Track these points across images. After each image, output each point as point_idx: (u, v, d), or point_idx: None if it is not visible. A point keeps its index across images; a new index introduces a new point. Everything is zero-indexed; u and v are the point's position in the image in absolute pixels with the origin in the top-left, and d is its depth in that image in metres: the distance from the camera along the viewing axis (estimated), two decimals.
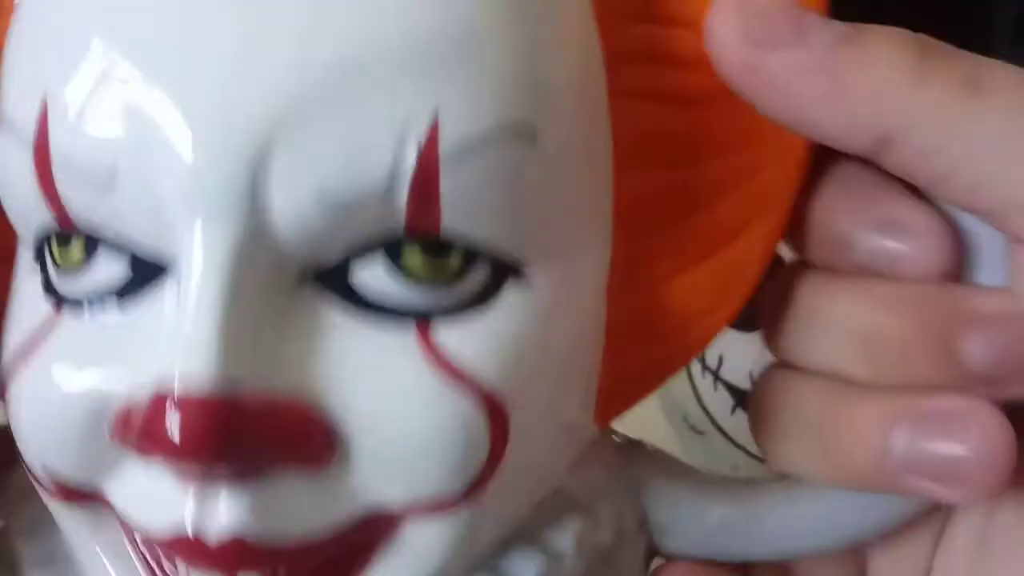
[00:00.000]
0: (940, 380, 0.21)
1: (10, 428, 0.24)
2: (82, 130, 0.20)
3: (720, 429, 0.49)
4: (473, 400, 0.20)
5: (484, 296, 0.21)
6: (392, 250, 0.20)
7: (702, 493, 0.25)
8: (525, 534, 0.23)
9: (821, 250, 0.22)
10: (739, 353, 0.46)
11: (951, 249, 0.21)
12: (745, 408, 0.46)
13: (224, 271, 0.19)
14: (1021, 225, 0.20)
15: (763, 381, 0.24)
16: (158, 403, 0.19)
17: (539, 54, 0.20)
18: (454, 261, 0.20)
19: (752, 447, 0.46)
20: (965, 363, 0.21)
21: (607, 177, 0.22)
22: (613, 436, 0.26)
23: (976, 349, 0.21)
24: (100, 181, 0.20)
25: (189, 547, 0.20)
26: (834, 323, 0.22)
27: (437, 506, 0.21)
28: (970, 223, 0.21)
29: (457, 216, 0.20)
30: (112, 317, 0.21)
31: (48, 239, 0.22)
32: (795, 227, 0.23)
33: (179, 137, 0.19)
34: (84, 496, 0.22)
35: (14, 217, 0.23)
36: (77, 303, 0.22)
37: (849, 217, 0.22)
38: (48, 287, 0.22)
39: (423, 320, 0.20)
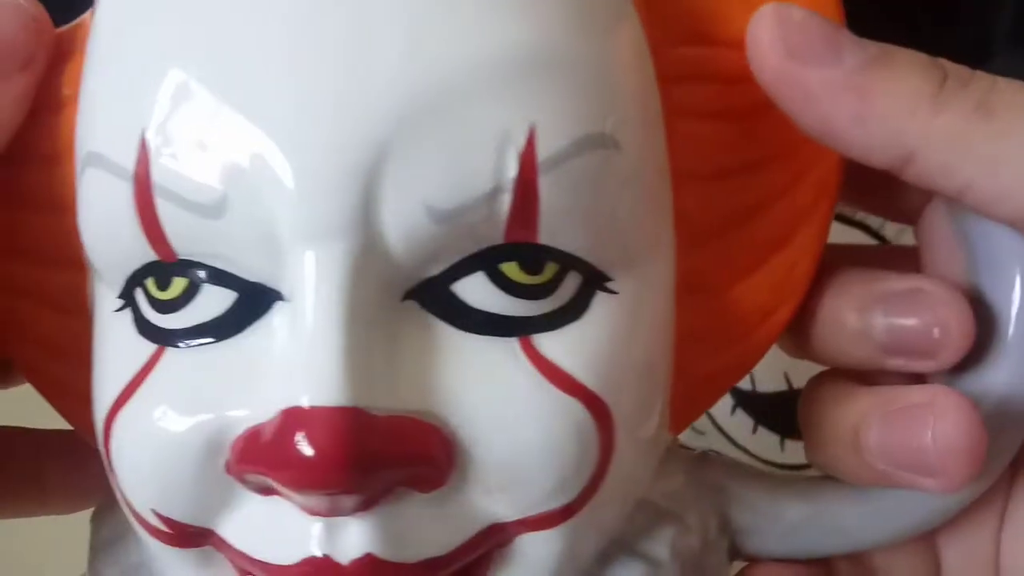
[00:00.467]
0: (862, 357, 0.24)
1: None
2: (189, 163, 0.20)
3: (720, 429, 0.49)
4: (584, 406, 0.21)
5: (577, 307, 0.21)
6: (491, 264, 0.21)
7: (777, 493, 0.26)
8: (622, 545, 0.23)
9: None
10: None
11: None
12: (745, 408, 0.46)
13: (342, 292, 0.20)
14: None
15: (803, 394, 0.26)
16: (287, 429, 0.19)
17: (613, 71, 0.21)
18: (548, 273, 0.21)
19: (751, 447, 0.46)
20: (873, 336, 0.23)
21: (668, 189, 0.23)
22: (681, 447, 0.27)
23: (880, 323, 0.23)
24: (208, 211, 0.21)
25: (323, 571, 0.21)
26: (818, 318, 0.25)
27: (550, 518, 0.21)
28: (995, 231, 0.23)
29: (552, 224, 0.21)
30: (219, 349, 0.21)
31: (143, 279, 0.22)
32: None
33: (290, 164, 0.20)
34: (195, 538, 0.22)
35: (102, 261, 0.23)
36: (179, 338, 0.22)
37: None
38: (143, 327, 0.22)
39: (524, 332, 0.21)
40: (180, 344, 0.22)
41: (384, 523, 0.21)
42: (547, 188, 0.20)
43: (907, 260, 0.26)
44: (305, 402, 0.20)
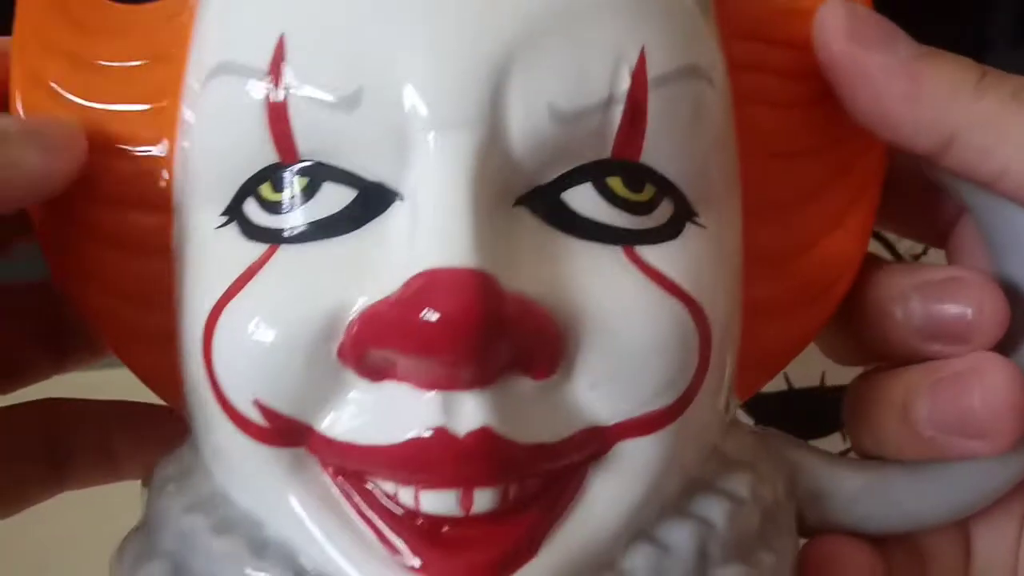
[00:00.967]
0: (902, 345, 0.25)
1: None
2: (326, 59, 0.22)
3: None
4: (686, 308, 0.22)
5: (672, 230, 0.23)
6: (598, 177, 0.22)
7: (836, 465, 0.26)
8: (702, 484, 0.24)
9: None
10: None
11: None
12: (746, 408, 0.46)
13: (469, 175, 0.21)
14: None
15: (849, 389, 0.27)
16: (415, 293, 0.20)
17: (704, 24, 0.24)
18: (647, 193, 0.22)
19: None
20: (911, 323, 0.25)
21: (735, 155, 0.25)
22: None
23: (919, 310, 0.25)
24: (342, 105, 0.21)
25: (436, 446, 0.21)
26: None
27: (651, 421, 0.22)
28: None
29: (654, 145, 0.22)
30: (336, 244, 0.22)
31: (257, 185, 0.23)
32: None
33: (427, 57, 0.21)
34: (292, 435, 0.22)
35: (214, 173, 0.23)
36: (294, 234, 0.22)
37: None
38: (252, 231, 0.23)
39: (627, 242, 0.22)
40: (295, 240, 0.22)
41: (499, 400, 0.21)
42: (654, 105, 0.22)
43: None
44: (436, 262, 0.20)
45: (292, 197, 0.22)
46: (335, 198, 0.22)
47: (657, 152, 0.22)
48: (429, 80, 0.21)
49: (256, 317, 0.22)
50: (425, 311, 0.20)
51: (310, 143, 0.22)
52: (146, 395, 0.28)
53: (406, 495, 0.22)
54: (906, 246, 0.48)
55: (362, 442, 0.22)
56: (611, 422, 0.22)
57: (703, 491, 0.23)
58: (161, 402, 0.27)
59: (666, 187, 0.23)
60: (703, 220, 0.23)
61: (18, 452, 0.28)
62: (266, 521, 0.23)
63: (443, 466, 0.21)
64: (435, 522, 0.22)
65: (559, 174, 0.22)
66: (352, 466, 0.22)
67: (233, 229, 0.23)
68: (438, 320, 0.20)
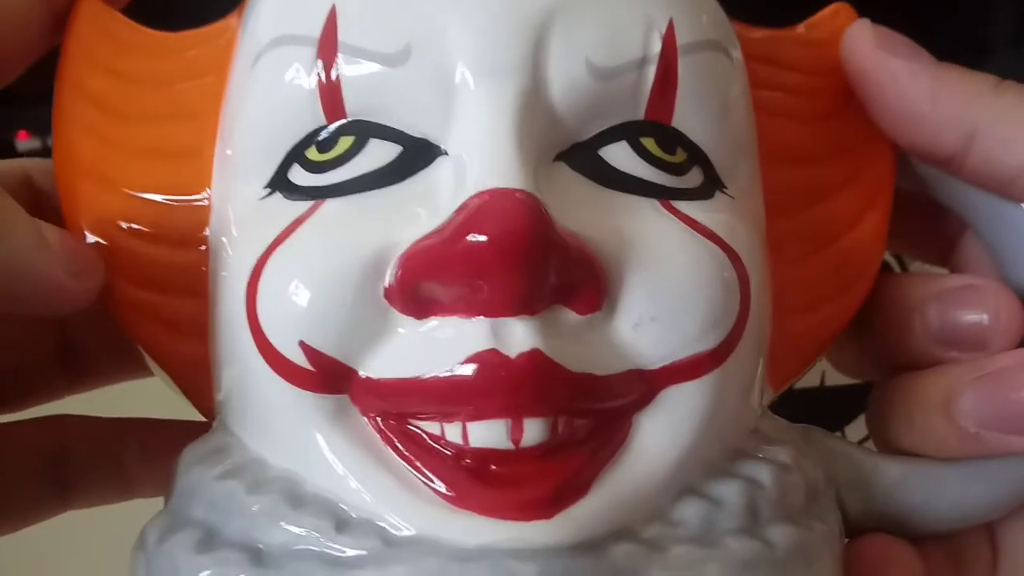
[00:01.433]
0: (921, 353, 0.26)
1: None
2: (376, 17, 0.23)
3: None
4: (727, 254, 0.23)
5: (704, 193, 0.24)
6: (633, 136, 0.23)
7: (875, 455, 0.27)
8: (745, 453, 0.24)
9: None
10: None
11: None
12: None
13: (514, 117, 0.22)
14: None
15: (873, 393, 0.28)
16: (467, 216, 0.21)
17: (725, 16, 0.25)
18: (680, 156, 0.23)
19: None
20: (929, 331, 0.26)
21: (756, 143, 0.26)
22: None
23: (935, 318, 0.26)
24: (392, 59, 0.23)
25: (487, 368, 0.21)
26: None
27: (694, 366, 0.22)
28: None
29: (684, 110, 0.23)
30: (381, 194, 0.23)
31: (303, 149, 0.23)
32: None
33: (474, 12, 0.22)
34: (336, 380, 0.22)
35: (262, 141, 0.24)
36: (341, 188, 0.23)
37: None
38: (296, 192, 0.23)
39: (664, 197, 0.23)
40: (340, 193, 0.23)
41: (548, 327, 0.21)
42: (684, 70, 0.23)
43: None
44: (485, 185, 0.21)
45: (338, 156, 0.23)
46: (381, 154, 0.23)
47: (686, 118, 0.23)
48: (474, 33, 0.22)
49: (302, 260, 0.22)
50: (475, 234, 0.20)
51: (358, 103, 0.23)
52: (157, 412, 0.28)
53: (453, 432, 0.22)
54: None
55: (409, 376, 0.22)
56: (656, 365, 0.22)
57: (747, 458, 0.24)
58: (171, 417, 0.27)
59: (696, 153, 0.24)
60: (731, 192, 0.24)
61: (23, 469, 0.28)
62: (305, 477, 0.23)
63: (494, 390, 0.21)
64: (483, 459, 0.21)
65: (596, 131, 0.23)
66: (398, 405, 0.22)
67: (275, 199, 0.24)
68: (489, 240, 0.20)
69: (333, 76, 0.23)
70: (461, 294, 0.21)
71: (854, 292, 0.26)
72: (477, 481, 0.21)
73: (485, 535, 0.21)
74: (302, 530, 0.22)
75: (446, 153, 0.23)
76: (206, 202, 0.25)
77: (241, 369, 0.23)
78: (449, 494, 0.21)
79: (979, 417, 0.25)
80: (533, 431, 0.21)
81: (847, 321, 0.26)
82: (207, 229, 0.25)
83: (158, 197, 0.25)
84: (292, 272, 0.22)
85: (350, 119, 0.23)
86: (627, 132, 0.23)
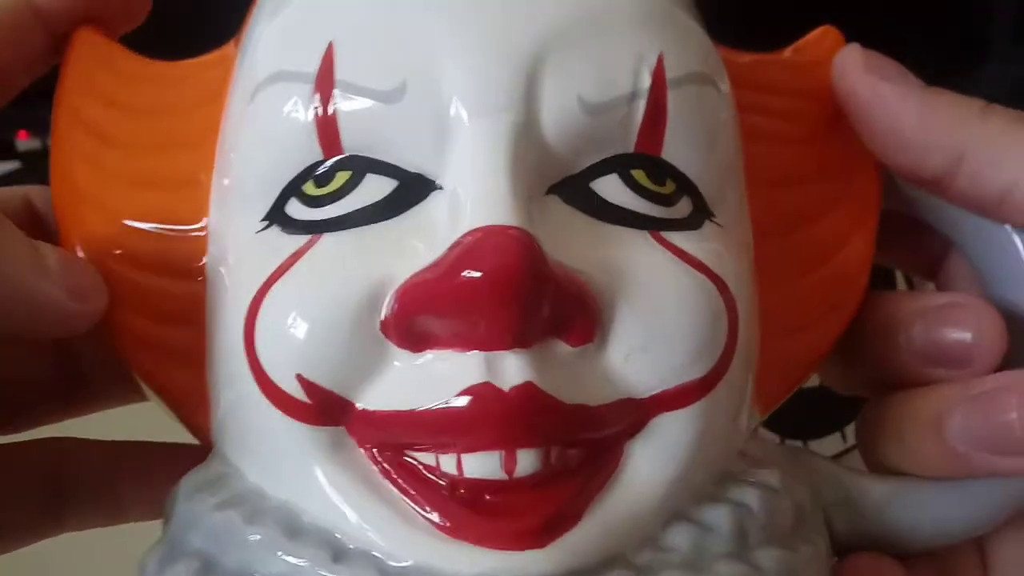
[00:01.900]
0: (908, 371, 0.26)
1: None
2: (372, 56, 0.23)
3: None
4: (714, 285, 0.23)
5: (693, 223, 0.24)
6: (623, 168, 0.24)
7: (860, 475, 0.27)
8: (733, 476, 0.24)
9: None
10: None
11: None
12: None
13: (507, 153, 0.22)
14: None
15: (863, 411, 0.28)
16: (461, 253, 0.21)
17: (712, 49, 0.26)
18: (669, 187, 0.24)
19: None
20: (915, 349, 0.26)
21: (743, 172, 0.26)
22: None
23: (920, 336, 0.26)
24: (388, 97, 0.23)
25: (481, 401, 0.21)
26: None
27: (683, 394, 0.23)
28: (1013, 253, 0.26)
29: (673, 142, 0.24)
30: (376, 229, 0.23)
31: (301, 184, 0.24)
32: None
33: (468, 51, 0.23)
34: (333, 412, 0.23)
35: (259, 177, 0.24)
36: (337, 222, 0.23)
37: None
38: (293, 226, 0.24)
39: (654, 227, 0.24)
40: (337, 228, 0.23)
41: (541, 360, 0.22)
42: (673, 103, 0.24)
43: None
44: (480, 222, 0.21)
45: (335, 190, 0.24)
46: (377, 188, 0.23)
47: (676, 150, 0.24)
48: (468, 71, 0.23)
49: (301, 294, 0.23)
50: (470, 269, 0.21)
51: (354, 139, 0.23)
52: (154, 434, 0.28)
53: (448, 463, 0.22)
54: None
55: (405, 408, 0.22)
56: (646, 394, 0.23)
57: (735, 482, 0.24)
58: (168, 440, 0.27)
59: (685, 184, 0.24)
60: (719, 220, 0.24)
61: (18, 490, 0.28)
62: (303, 508, 0.23)
63: (488, 422, 0.21)
64: (478, 490, 0.22)
65: (588, 164, 0.24)
66: (394, 437, 0.23)
67: (271, 232, 0.24)
68: (483, 276, 0.21)
69: (330, 112, 0.23)
70: (456, 328, 0.22)
71: (840, 314, 0.27)
72: (471, 511, 0.22)
73: (480, 565, 0.21)
74: (300, 561, 0.22)
75: (441, 188, 0.23)
76: (203, 232, 0.26)
77: (238, 400, 0.24)
78: (444, 524, 0.22)
79: (968, 438, 0.25)
80: (526, 462, 0.22)
81: (833, 342, 0.27)
82: (204, 258, 0.25)
83: (155, 226, 0.26)
84: (290, 306, 0.23)
85: (347, 154, 0.24)
86: (618, 165, 0.24)
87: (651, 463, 0.23)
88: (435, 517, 0.22)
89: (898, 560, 0.27)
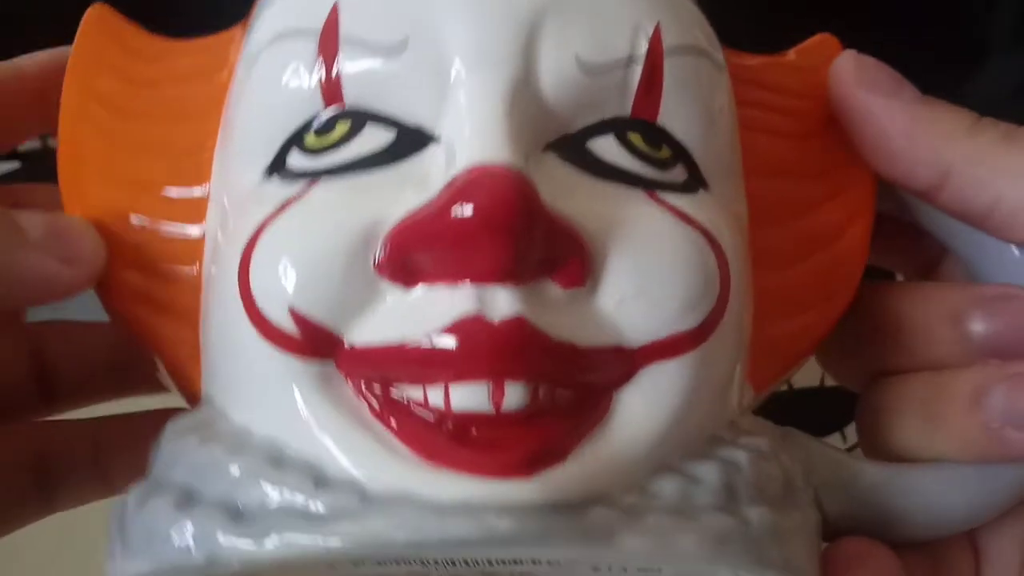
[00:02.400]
0: (955, 362, 0.26)
1: None
2: (376, 11, 0.24)
3: None
4: (706, 239, 0.24)
5: (688, 188, 0.25)
6: (619, 130, 0.24)
7: (854, 457, 0.28)
8: (722, 440, 0.25)
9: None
10: None
11: None
12: None
13: (504, 104, 0.23)
14: None
15: (868, 393, 0.29)
16: (457, 189, 0.22)
17: (712, 33, 0.27)
18: (665, 152, 0.25)
19: None
20: (972, 340, 0.26)
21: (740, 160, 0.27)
22: None
23: (977, 326, 0.26)
24: (390, 51, 0.24)
25: (470, 331, 0.22)
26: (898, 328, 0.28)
27: (674, 345, 0.23)
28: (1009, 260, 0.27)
29: (669, 108, 0.25)
30: (373, 174, 0.24)
31: (303, 134, 0.25)
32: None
33: (469, 6, 0.24)
34: (323, 346, 0.23)
35: (262, 131, 0.25)
36: (335, 170, 0.24)
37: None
38: (290, 175, 0.24)
39: (649, 187, 0.24)
40: (334, 173, 0.24)
41: (532, 296, 0.22)
42: (669, 71, 0.24)
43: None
44: (474, 161, 0.22)
45: (335, 141, 0.24)
46: (375, 138, 0.24)
47: (671, 117, 0.25)
48: (468, 26, 0.24)
49: (296, 231, 0.24)
50: (463, 203, 0.21)
51: (356, 92, 0.24)
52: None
53: (435, 395, 0.22)
54: None
55: (395, 341, 0.23)
56: (637, 343, 0.23)
57: (725, 444, 0.24)
58: (152, 407, 0.27)
59: (680, 152, 0.25)
60: (714, 193, 0.25)
61: (6, 476, 0.28)
62: (287, 441, 0.23)
63: (477, 353, 0.22)
64: (464, 423, 0.22)
65: (584, 125, 0.24)
66: (382, 370, 0.23)
67: (274, 180, 0.25)
68: (477, 209, 0.21)
69: (333, 66, 0.24)
70: (448, 260, 0.22)
71: (836, 302, 0.28)
72: (458, 443, 0.22)
73: (463, 491, 0.22)
74: (282, 488, 0.23)
75: (438, 139, 0.24)
76: (205, 194, 0.27)
77: (229, 339, 0.24)
78: (430, 455, 0.22)
79: (1007, 414, 0.25)
80: (514, 396, 0.22)
81: (829, 329, 0.27)
82: (204, 219, 0.26)
83: (159, 189, 0.27)
84: (285, 243, 0.23)
85: (348, 105, 0.24)
86: (614, 127, 0.24)
87: (640, 412, 0.23)
88: (420, 448, 0.22)
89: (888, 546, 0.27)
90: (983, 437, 0.26)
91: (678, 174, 0.25)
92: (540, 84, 0.24)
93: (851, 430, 0.56)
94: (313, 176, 0.24)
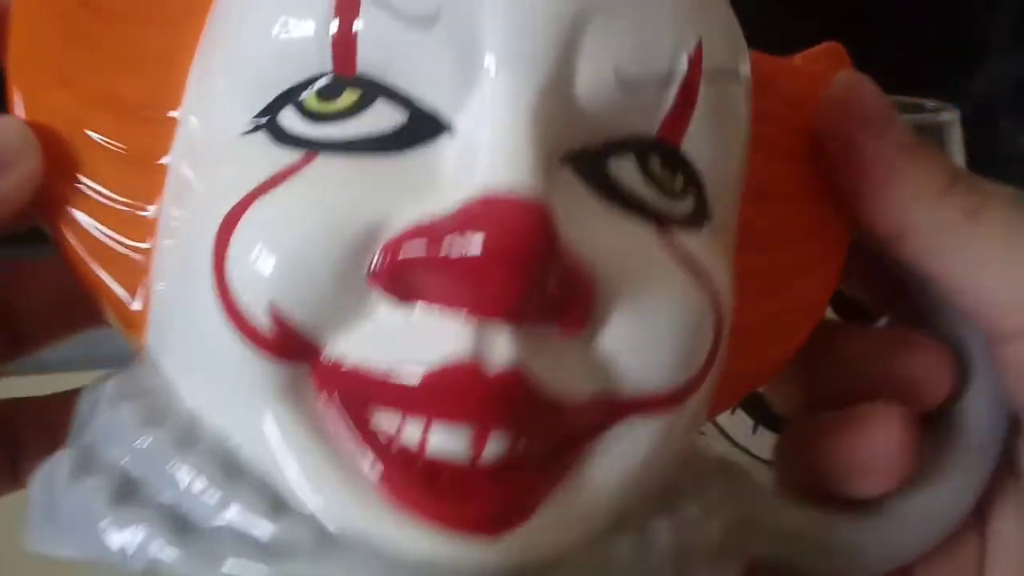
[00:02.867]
0: (866, 395, 0.26)
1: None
2: None
3: (720, 429, 0.49)
4: (706, 293, 0.23)
5: (694, 223, 0.23)
6: (641, 152, 0.23)
7: (788, 501, 0.27)
8: (676, 488, 0.24)
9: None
10: None
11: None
12: (745, 408, 0.46)
13: (532, 109, 0.21)
14: (999, 322, 0.25)
15: (795, 423, 0.29)
16: (475, 212, 0.20)
17: (744, 42, 0.25)
18: (679, 181, 0.23)
19: (752, 447, 0.46)
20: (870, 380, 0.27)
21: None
22: None
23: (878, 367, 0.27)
24: (419, 22, 0.22)
25: (464, 378, 0.20)
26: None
27: (658, 401, 0.22)
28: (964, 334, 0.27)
29: (695, 135, 0.23)
30: (379, 161, 0.22)
31: (301, 92, 0.22)
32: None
33: None
34: (297, 351, 0.21)
35: (256, 74, 0.22)
36: (336, 146, 0.22)
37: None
38: (285, 138, 0.22)
39: (659, 221, 0.23)
40: (336, 150, 0.22)
41: (531, 342, 0.21)
42: (704, 95, 0.23)
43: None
44: (495, 185, 0.20)
45: (339, 110, 0.22)
46: (385, 117, 0.22)
47: (695, 144, 0.23)
48: (509, 14, 0.21)
49: (289, 215, 0.21)
50: (478, 231, 0.20)
51: (371, 57, 0.22)
52: None
53: (413, 429, 0.21)
54: None
55: (381, 365, 0.21)
56: (624, 394, 0.22)
57: (678, 497, 0.24)
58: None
59: (695, 181, 0.24)
60: (716, 223, 0.24)
61: None
62: (243, 445, 0.21)
63: (467, 400, 0.20)
64: (436, 469, 0.21)
65: (608, 139, 0.23)
66: (362, 392, 0.21)
67: (262, 135, 0.22)
68: (492, 241, 0.19)
69: (351, 24, 0.22)
70: (452, 289, 0.20)
71: (798, 337, 0.27)
72: (426, 489, 0.21)
73: (426, 545, 0.20)
74: (234, 505, 0.21)
75: (453, 131, 0.22)
76: (174, 119, 0.24)
77: (193, 314, 0.22)
78: (396, 495, 0.21)
79: (829, 461, 0.26)
80: (495, 447, 0.21)
81: (784, 364, 0.27)
82: (170, 148, 0.23)
83: (123, 106, 0.24)
84: (275, 226, 0.21)
85: (360, 73, 0.22)
86: (637, 146, 0.23)
87: (612, 465, 0.22)
88: (388, 487, 0.21)
89: None
90: (818, 479, 0.27)
91: (687, 205, 0.23)
92: (573, 92, 0.22)
93: None
94: (311, 147, 0.22)
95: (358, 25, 0.22)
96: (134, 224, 0.24)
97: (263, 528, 0.21)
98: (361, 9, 0.22)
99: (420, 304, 0.21)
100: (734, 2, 0.25)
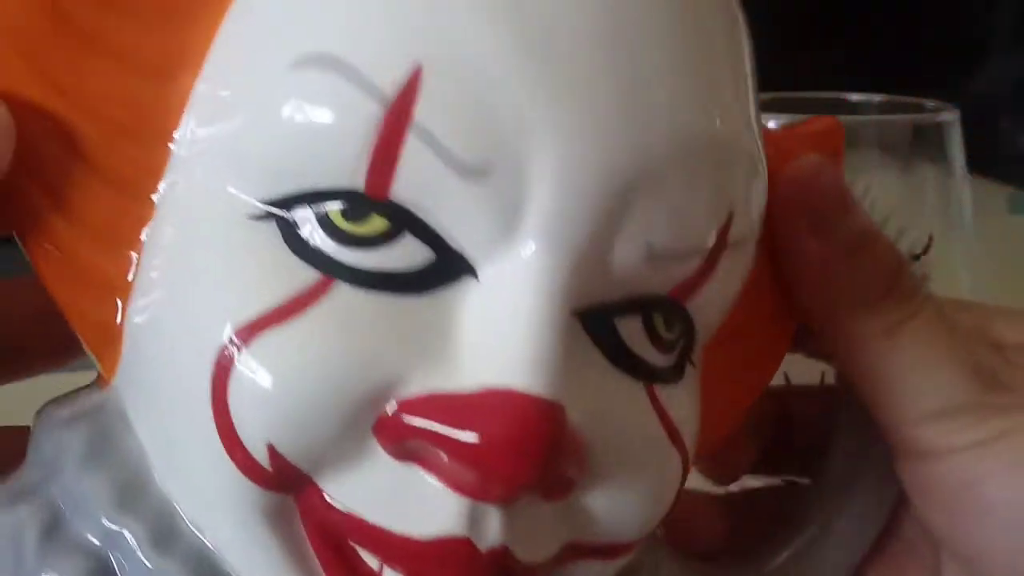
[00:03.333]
0: None
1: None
2: (468, 118, 0.20)
3: None
4: (681, 459, 0.23)
5: (678, 372, 0.23)
6: (648, 310, 0.22)
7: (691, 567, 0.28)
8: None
9: None
10: None
11: None
12: None
13: (561, 296, 0.21)
14: (909, 438, 0.26)
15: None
16: (493, 408, 0.20)
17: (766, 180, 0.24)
18: (675, 333, 0.23)
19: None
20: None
21: None
22: None
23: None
24: (467, 171, 0.20)
25: (456, 554, 0.21)
26: None
27: (613, 550, 0.22)
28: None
29: (704, 297, 0.23)
30: (399, 302, 0.21)
31: (322, 200, 0.21)
32: None
33: (568, 162, 0.21)
34: (288, 483, 0.21)
35: (275, 162, 0.21)
36: (356, 277, 0.21)
37: None
38: (304, 250, 0.21)
39: (650, 380, 0.22)
40: (356, 283, 0.21)
41: (520, 519, 0.21)
42: (722, 265, 0.23)
43: None
44: (513, 382, 0.20)
45: (366, 235, 0.21)
46: (411, 253, 0.21)
47: (702, 305, 0.23)
48: (559, 182, 0.21)
49: (303, 360, 0.20)
50: (497, 426, 0.20)
51: (406, 190, 0.20)
52: None
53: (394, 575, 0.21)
54: None
55: (371, 519, 0.21)
56: (588, 542, 0.22)
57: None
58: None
59: (688, 333, 0.23)
60: (695, 360, 0.24)
61: None
62: (218, 548, 0.22)
63: (461, 570, 0.21)
64: None
65: (620, 297, 0.22)
66: (350, 537, 0.21)
67: (273, 231, 0.21)
68: (500, 443, 0.20)
69: (393, 152, 0.20)
70: (456, 470, 0.20)
71: (738, 420, 0.27)
72: None
73: None
74: None
75: (478, 278, 0.21)
76: (171, 146, 0.22)
77: (182, 417, 0.21)
78: None
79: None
80: None
81: (733, 427, 0.27)
82: (162, 180, 0.22)
83: (110, 113, 0.22)
84: (288, 372, 0.20)
85: (393, 198, 0.21)
86: (646, 306, 0.22)
87: None
88: None
89: None
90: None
91: (675, 355, 0.23)
92: (606, 261, 0.21)
93: None
94: (329, 269, 0.21)
95: (400, 157, 0.20)
96: (109, 251, 0.22)
97: None
98: (405, 141, 0.20)
99: (418, 468, 0.21)
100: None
